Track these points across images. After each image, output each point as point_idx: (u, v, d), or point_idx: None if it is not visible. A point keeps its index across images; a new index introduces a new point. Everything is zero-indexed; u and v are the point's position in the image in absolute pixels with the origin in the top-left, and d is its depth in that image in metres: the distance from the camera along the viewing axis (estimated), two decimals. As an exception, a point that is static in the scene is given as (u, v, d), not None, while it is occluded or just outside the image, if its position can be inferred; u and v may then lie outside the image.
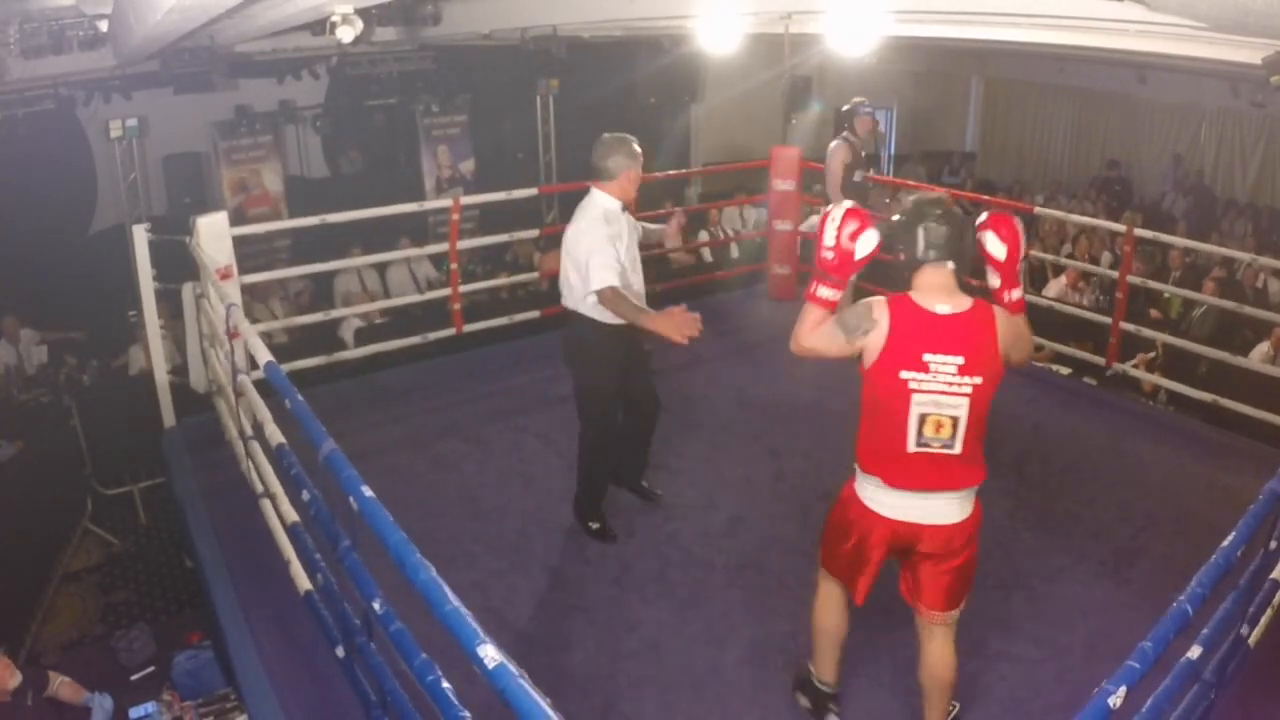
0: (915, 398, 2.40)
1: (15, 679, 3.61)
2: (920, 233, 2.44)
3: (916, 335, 2.39)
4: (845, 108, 5.90)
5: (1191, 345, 5.94)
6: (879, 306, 2.45)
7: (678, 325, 3.34)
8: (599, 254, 3.52)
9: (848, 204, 2.54)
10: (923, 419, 2.41)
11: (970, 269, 2.52)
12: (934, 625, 2.66)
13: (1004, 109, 14.15)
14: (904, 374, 2.39)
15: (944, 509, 2.51)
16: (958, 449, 2.44)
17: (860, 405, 2.57)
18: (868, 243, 2.46)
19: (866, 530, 2.58)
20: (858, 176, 5.82)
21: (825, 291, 2.50)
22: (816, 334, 2.51)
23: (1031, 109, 13.72)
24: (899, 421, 2.43)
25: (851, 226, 2.45)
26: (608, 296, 3.51)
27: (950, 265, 2.44)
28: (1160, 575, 3.66)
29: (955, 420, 2.41)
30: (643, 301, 3.72)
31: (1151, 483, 4.45)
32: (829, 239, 2.47)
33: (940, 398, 2.39)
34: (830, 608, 2.82)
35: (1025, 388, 5.61)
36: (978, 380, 2.39)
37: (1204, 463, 4.66)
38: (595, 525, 4.04)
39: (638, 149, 3.68)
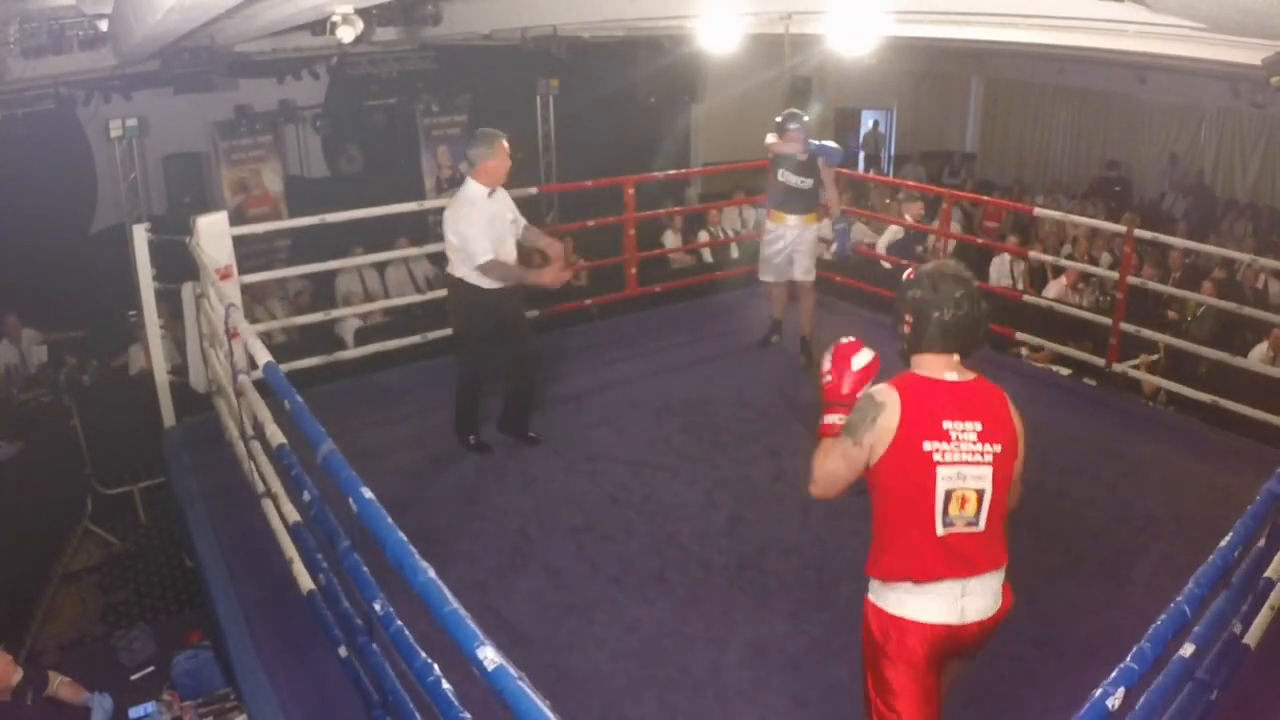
0: (940, 470, 2.16)
1: (17, 675, 3.62)
2: (935, 318, 2.22)
3: (932, 403, 2.19)
4: (778, 119, 5.52)
5: (1191, 346, 5.94)
6: (881, 390, 2.23)
7: (553, 277, 4.29)
8: (473, 235, 4.19)
9: (843, 341, 2.39)
10: (948, 495, 2.17)
11: (973, 350, 2.34)
12: None
13: (1004, 109, 14.15)
14: (927, 445, 2.16)
15: (982, 602, 2.26)
16: (981, 526, 2.20)
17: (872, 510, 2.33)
18: (863, 359, 2.34)
19: (918, 651, 2.25)
20: (780, 175, 5.52)
21: (833, 418, 2.31)
22: (828, 458, 2.28)
23: (1031, 109, 13.72)
24: (925, 503, 2.18)
25: (846, 356, 2.35)
26: (489, 267, 4.23)
27: (956, 357, 2.26)
28: (1160, 575, 3.66)
29: (980, 494, 2.18)
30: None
31: (1151, 483, 4.46)
32: (825, 371, 2.36)
33: (964, 469, 2.17)
34: None
35: (1025, 388, 5.61)
36: (998, 448, 2.19)
37: (1204, 463, 4.67)
38: (472, 440, 4.72)
39: (498, 142, 4.25)
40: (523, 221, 4.54)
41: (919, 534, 2.20)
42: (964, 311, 2.22)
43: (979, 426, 2.19)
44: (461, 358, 4.76)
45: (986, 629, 2.29)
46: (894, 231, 8.42)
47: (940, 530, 2.18)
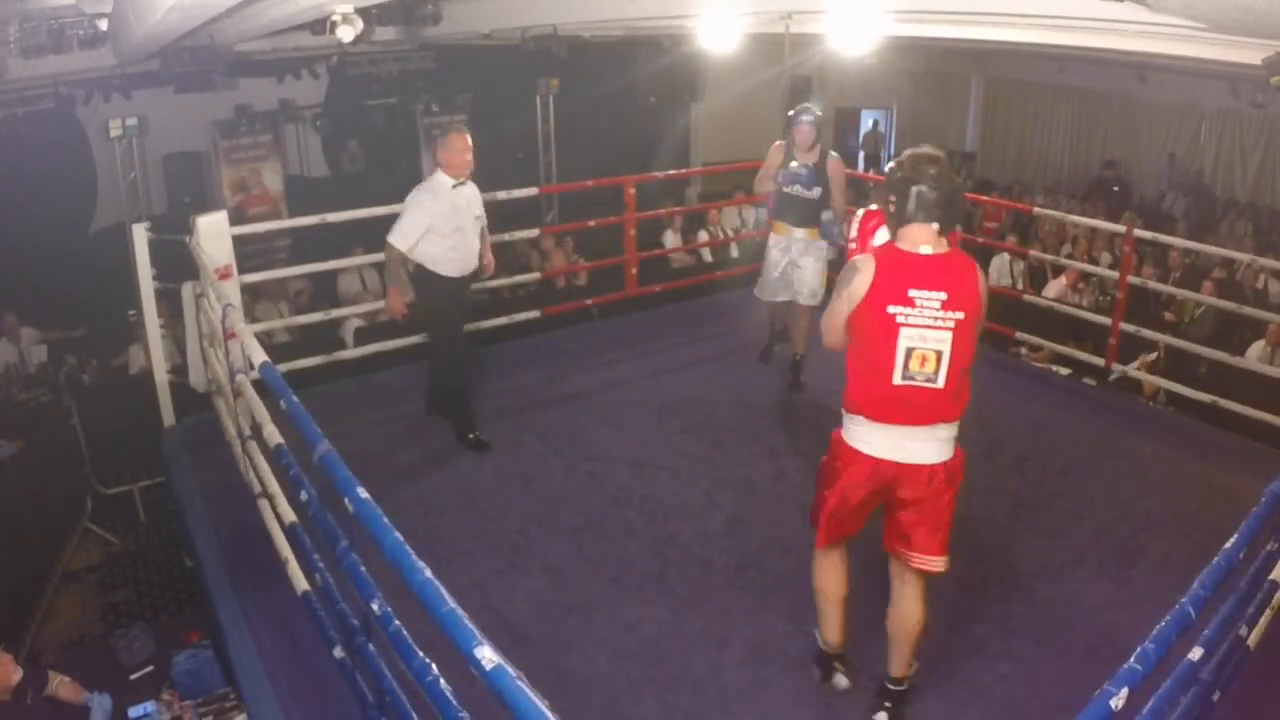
0: (903, 332, 2.53)
1: (17, 675, 3.61)
2: (913, 194, 2.55)
3: (902, 273, 2.55)
4: (790, 112, 5.10)
5: (1191, 346, 5.94)
6: (862, 257, 2.63)
7: (394, 303, 4.55)
8: (404, 218, 4.42)
9: (872, 207, 2.90)
10: (909, 353, 2.54)
11: (956, 226, 2.71)
12: (908, 571, 2.79)
13: (1004, 109, 14.14)
14: (891, 309, 2.53)
15: (924, 448, 2.64)
16: (941, 383, 2.57)
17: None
18: (882, 236, 2.80)
19: (851, 470, 2.72)
20: (787, 185, 5.03)
21: None
22: (830, 312, 2.69)
23: (1031, 109, 13.71)
24: (886, 356, 2.56)
25: (872, 223, 2.92)
26: (391, 251, 4.45)
27: (936, 226, 2.57)
28: (1160, 575, 3.66)
29: (939, 355, 2.54)
30: (473, 257, 4.60)
31: (1151, 483, 4.45)
32: (853, 233, 2.93)
33: (926, 331, 2.52)
34: (826, 567, 2.94)
35: (1025, 388, 5.62)
36: (960, 315, 2.53)
37: (1204, 463, 4.66)
38: (473, 436, 4.75)
39: (451, 134, 4.52)
40: (484, 222, 4.72)
41: (878, 381, 2.61)
42: (939, 185, 2.55)
43: (944, 296, 2.53)
44: (435, 354, 4.87)
45: (930, 472, 2.66)
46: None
47: (898, 380, 2.58)
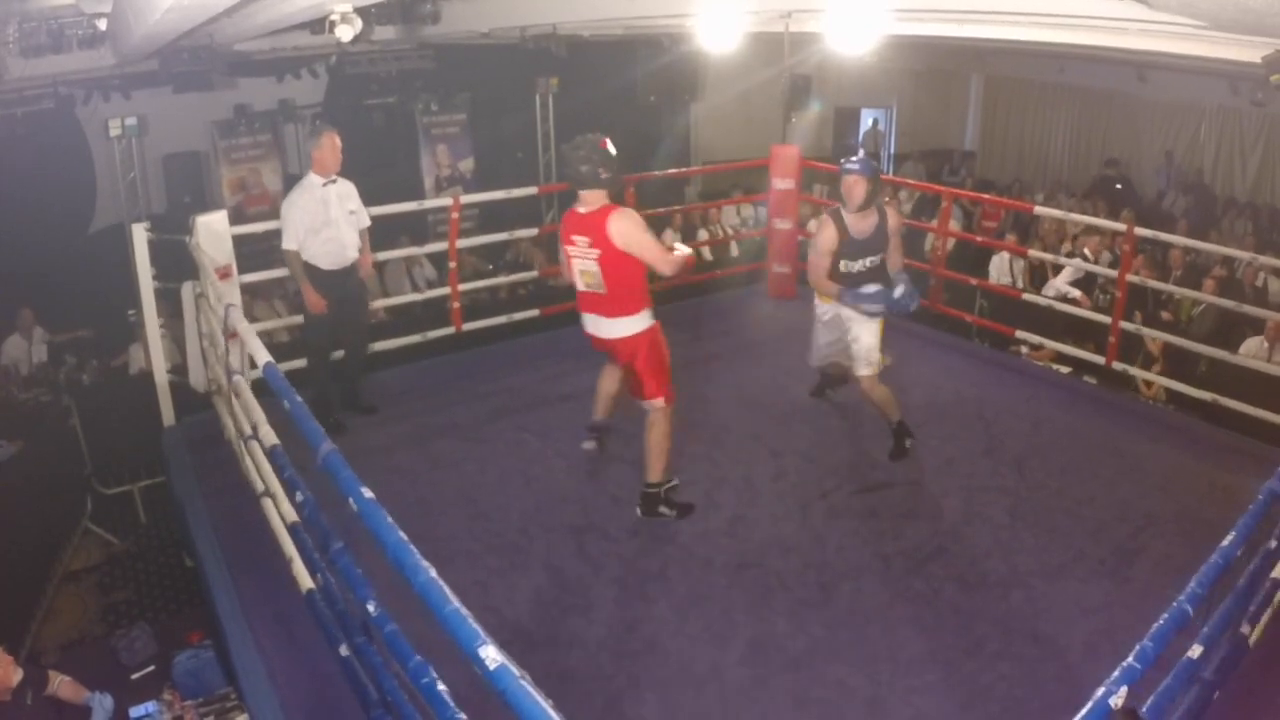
0: (574, 262, 3.87)
1: (17, 675, 3.61)
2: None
3: (568, 226, 3.85)
4: (841, 161, 4.51)
5: (1190, 344, 5.94)
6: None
7: (311, 301, 4.76)
8: (286, 220, 4.70)
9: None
10: (582, 273, 3.86)
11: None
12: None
13: (1004, 108, 14.13)
14: (569, 248, 3.86)
15: (603, 328, 3.94)
16: (603, 290, 3.81)
17: None
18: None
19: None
20: (843, 264, 4.39)
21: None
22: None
23: (1031, 108, 13.70)
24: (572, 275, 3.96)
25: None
26: (287, 255, 4.75)
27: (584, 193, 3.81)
28: (1160, 574, 3.66)
29: (594, 272, 3.82)
30: (348, 250, 4.85)
31: (1151, 482, 4.46)
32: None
33: (585, 262, 3.81)
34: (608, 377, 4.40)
35: (1025, 386, 5.62)
36: (597, 252, 3.75)
37: (1203, 462, 4.66)
38: (333, 420, 4.86)
39: (324, 135, 4.75)
40: (366, 222, 4.96)
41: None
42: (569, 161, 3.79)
43: (588, 240, 3.76)
44: (308, 339, 5.07)
45: (610, 342, 3.98)
46: (1072, 271, 7.97)
47: (580, 287, 3.92)
